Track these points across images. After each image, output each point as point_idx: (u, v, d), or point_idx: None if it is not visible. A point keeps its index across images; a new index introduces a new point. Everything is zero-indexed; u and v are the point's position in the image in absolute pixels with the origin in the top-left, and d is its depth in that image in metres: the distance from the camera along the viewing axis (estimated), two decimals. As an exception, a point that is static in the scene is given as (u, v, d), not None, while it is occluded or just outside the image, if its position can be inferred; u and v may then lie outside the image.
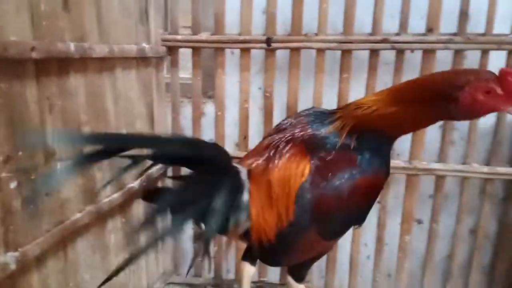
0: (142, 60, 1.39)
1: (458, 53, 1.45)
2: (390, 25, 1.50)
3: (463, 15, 1.43)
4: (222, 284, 1.75)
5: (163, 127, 1.62)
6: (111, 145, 0.87)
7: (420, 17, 1.47)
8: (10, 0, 0.83)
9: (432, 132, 1.52)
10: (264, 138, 1.20)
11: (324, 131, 1.11)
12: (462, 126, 1.63)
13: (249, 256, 1.30)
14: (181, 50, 1.61)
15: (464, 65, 1.59)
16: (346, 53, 1.50)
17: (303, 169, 1.08)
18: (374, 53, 1.49)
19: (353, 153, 1.07)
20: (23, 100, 0.89)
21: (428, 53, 1.46)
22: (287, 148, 1.13)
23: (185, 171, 1.04)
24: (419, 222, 1.81)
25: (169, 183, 1.61)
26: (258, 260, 1.28)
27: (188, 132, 1.73)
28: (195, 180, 1.02)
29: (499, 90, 0.96)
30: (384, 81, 1.54)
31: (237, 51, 1.60)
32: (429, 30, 1.44)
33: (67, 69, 1.03)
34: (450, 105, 0.99)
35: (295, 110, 1.59)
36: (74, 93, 1.06)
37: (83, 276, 1.14)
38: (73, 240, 1.10)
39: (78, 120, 1.09)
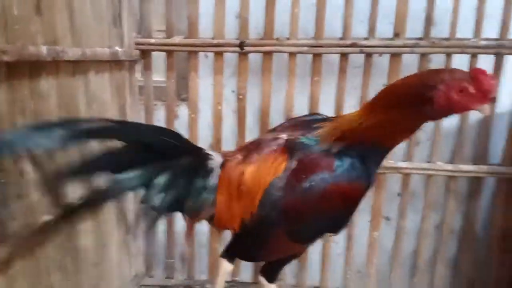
0: (115, 63, 1.38)
1: (423, 56, 1.52)
2: (359, 30, 1.55)
3: (428, 21, 1.49)
4: (195, 285, 1.76)
5: (137, 130, 1.61)
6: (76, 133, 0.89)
7: (388, 22, 1.52)
8: (-18, 5, 0.82)
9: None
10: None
11: (311, 136, 1.12)
12: (427, 126, 1.70)
13: (228, 253, 1.32)
14: (155, 53, 1.61)
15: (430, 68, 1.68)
16: (317, 56, 1.54)
17: (278, 167, 1.10)
18: (343, 57, 1.54)
19: (332, 158, 1.07)
20: (-5, 103, 0.88)
21: (395, 57, 1.52)
22: (269, 146, 1.15)
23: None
24: (387, 219, 1.87)
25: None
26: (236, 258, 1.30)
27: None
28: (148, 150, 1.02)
29: (471, 89, 0.98)
30: (354, 84, 1.60)
31: (210, 55, 1.61)
32: (396, 34, 1.50)
33: (39, 72, 1.02)
34: (426, 106, 1.00)
35: (268, 112, 1.62)
36: (46, 96, 1.05)
37: (52, 278, 1.13)
38: (42, 242, 1.08)
39: (51, 123, 1.07)
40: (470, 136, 1.66)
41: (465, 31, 1.51)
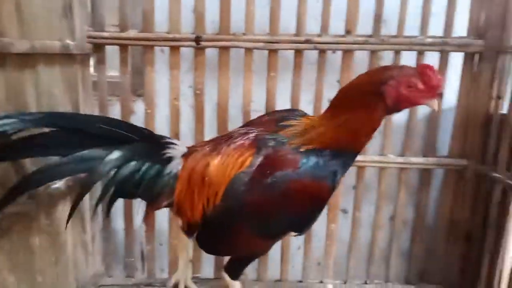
0: (66, 56, 1.35)
1: (373, 53, 1.58)
2: (313, 27, 1.59)
3: (377, 19, 1.55)
4: (156, 283, 1.74)
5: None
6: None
7: (340, 20, 1.57)
8: None
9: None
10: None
11: (282, 133, 1.14)
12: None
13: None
14: (110, 48, 1.59)
15: (381, 65, 1.74)
16: (272, 52, 1.57)
17: (244, 161, 1.12)
18: (298, 53, 1.57)
19: (298, 156, 1.09)
20: None
21: (347, 53, 1.57)
22: (239, 139, 1.17)
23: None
24: (344, 211, 1.93)
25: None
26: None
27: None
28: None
29: (420, 85, 1.03)
30: (309, 79, 1.64)
31: (166, 49, 1.61)
32: (348, 32, 1.55)
33: (-17, 64, 0.99)
34: (379, 103, 1.05)
35: (226, 107, 1.63)
36: (-8, 89, 1.02)
37: (6, 278, 1.10)
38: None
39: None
40: (419, 130, 1.74)
41: (412, 29, 1.57)
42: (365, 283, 1.80)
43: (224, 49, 1.56)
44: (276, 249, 1.78)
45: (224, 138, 1.22)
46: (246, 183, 1.11)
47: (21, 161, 1.11)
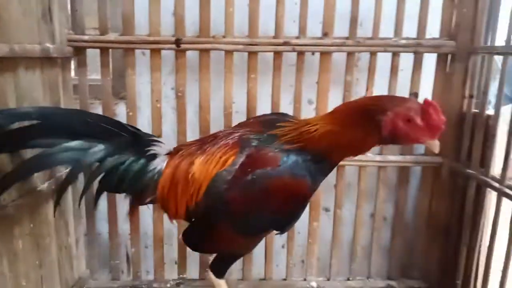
0: (47, 60, 1.36)
1: (350, 55, 1.62)
2: (292, 29, 1.62)
3: (353, 21, 1.59)
4: (141, 285, 1.75)
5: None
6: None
7: (317, 22, 1.61)
8: None
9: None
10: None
11: (267, 134, 1.16)
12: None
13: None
14: (92, 51, 1.60)
15: (358, 66, 1.79)
16: (252, 54, 1.60)
17: (227, 159, 1.15)
18: (277, 55, 1.60)
19: (279, 154, 1.11)
20: None
21: (325, 55, 1.61)
22: (223, 139, 1.20)
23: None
24: (327, 210, 1.96)
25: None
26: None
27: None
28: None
29: (419, 121, 1.00)
30: (289, 81, 1.67)
31: (147, 52, 1.62)
32: (325, 34, 1.59)
33: (-37, 68, 1.00)
34: (375, 129, 1.02)
35: (208, 109, 1.65)
36: (-29, 93, 1.03)
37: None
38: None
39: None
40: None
41: (387, 31, 1.62)
42: (348, 279, 1.84)
43: (205, 52, 1.59)
44: (260, 248, 1.79)
45: (210, 138, 1.26)
46: (228, 181, 1.13)
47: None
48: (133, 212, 1.31)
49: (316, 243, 1.80)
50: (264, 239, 1.78)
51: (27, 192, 1.24)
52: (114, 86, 1.69)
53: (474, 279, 1.62)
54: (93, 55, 1.63)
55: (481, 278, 1.57)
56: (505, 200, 1.42)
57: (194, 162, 1.18)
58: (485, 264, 1.55)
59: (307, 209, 1.79)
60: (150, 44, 1.55)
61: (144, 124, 1.70)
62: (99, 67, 1.59)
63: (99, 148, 1.12)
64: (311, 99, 1.82)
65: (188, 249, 1.71)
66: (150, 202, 1.24)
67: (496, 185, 1.45)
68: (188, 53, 1.60)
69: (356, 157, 1.67)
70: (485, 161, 1.54)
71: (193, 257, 1.78)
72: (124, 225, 1.78)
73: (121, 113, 1.79)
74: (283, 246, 1.93)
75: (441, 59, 1.65)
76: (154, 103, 1.63)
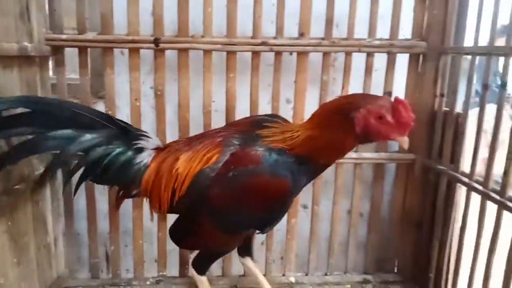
0: (24, 59, 1.36)
1: (326, 55, 1.66)
2: (270, 29, 1.66)
3: (329, 22, 1.63)
4: (121, 283, 1.75)
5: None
6: None
7: (294, 23, 1.65)
8: None
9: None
10: None
11: (253, 134, 1.18)
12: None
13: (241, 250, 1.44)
14: (71, 51, 1.60)
15: (335, 66, 1.83)
16: (230, 54, 1.63)
17: (211, 157, 1.17)
18: (255, 54, 1.63)
19: (262, 153, 1.13)
20: None
21: (302, 55, 1.65)
22: (210, 138, 1.23)
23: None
24: (305, 206, 2.00)
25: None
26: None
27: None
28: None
29: (389, 118, 1.03)
30: (267, 80, 1.70)
31: (126, 51, 1.63)
32: (301, 34, 1.63)
33: None
34: (351, 127, 1.05)
35: (188, 108, 1.67)
36: None
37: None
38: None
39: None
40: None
41: (362, 32, 1.67)
42: (326, 274, 1.88)
43: (183, 51, 1.61)
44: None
45: (198, 136, 1.29)
46: (211, 178, 1.16)
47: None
48: (118, 205, 1.33)
49: (295, 239, 1.83)
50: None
51: (5, 190, 1.24)
52: (92, 86, 1.69)
53: (446, 271, 1.68)
54: (71, 55, 1.63)
55: (452, 270, 1.63)
56: (474, 195, 1.48)
57: (179, 158, 1.21)
58: (456, 256, 1.61)
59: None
60: (129, 43, 1.56)
61: (123, 123, 1.70)
62: (78, 67, 1.59)
63: (87, 138, 1.16)
64: (289, 98, 1.85)
65: (168, 247, 1.75)
66: (135, 195, 1.27)
67: (466, 180, 1.51)
68: (167, 52, 1.61)
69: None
70: (455, 157, 1.60)
71: (173, 255, 1.79)
72: (103, 224, 1.78)
73: (100, 112, 1.79)
74: (262, 243, 1.96)
75: (413, 59, 1.71)
76: (133, 102, 1.64)
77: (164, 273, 1.81)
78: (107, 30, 1.56)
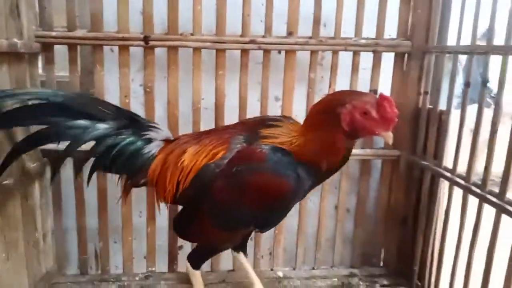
0: (14, 55, 1.36)
1: (313, 53, 1.69)
2: (259, 28, 1.68)
3: (316, 21, 1.67)
4: (109, 278, 1.76)
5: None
6: None
7: (283, 22, 1.68)
8: None
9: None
10: None
11: (259, 134, 1.20)
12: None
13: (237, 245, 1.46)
14: (61, 49, 1.60)
15: (323, 65, 1.87)
16: (220, 52, 1.65)
17: (216, 153, 1.20)
18: (244, 52, 1.66)
19: (267, 152, 1.14)
20: None
21: (290, 53, 1.68)
22: (217, 135, 1.25)
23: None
24: (293, 202, 2.03)
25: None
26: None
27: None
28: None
29: (374, 114, 1.06)
30: (256, 78, 1.73)
31: (116, 49, 1.64)
32: (290, 33, 1.66)
33: None
34: (338, 123, 1.07)
35: (177, 105, 1.69)
36: None
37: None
38: None
39: None
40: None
41: (349, 31, 1.70)
42: (313, 268, 1.92)
43: (173, 49, 1.62)
44: (228, 240, 1.86)
45: (208, 132, 1.33)
46: (215, 174, 1.18)
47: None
48: (126, 194, 1.35)
49: (283, 234, 1.86)
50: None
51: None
52: (82, 83, 1.70)
53: (429, 264, 1.73)
54: (61, 53, 1.64)
55: (436, 263, 1.68)
56: (456, 189, 1.53)
57: (187, 150, 1.24)
58: (439, 249, 1.66)
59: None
60: (119, 40, 1.57)
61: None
62: (67, 64, 1.60)
63: (98, 127, 1.19)
64: (278, 96, 1.88)
65: (156, 242, 1.77)
66: (143, 185, 1.30)
67: (448, 175, 1.56)
68: (157, 50, 1.63)
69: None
70: (438, 153, 1.64)
71: (162, 251, 1.81)
72: (92, 220, 1.79)
73: (89, 109, 1.79)
74: (251, 239, 1.99)
75: (398, 58, 1.75)
76: (122, 99, 1.65)
77: (153, 269, 1.82)
78: (97, 27, 1.56)
